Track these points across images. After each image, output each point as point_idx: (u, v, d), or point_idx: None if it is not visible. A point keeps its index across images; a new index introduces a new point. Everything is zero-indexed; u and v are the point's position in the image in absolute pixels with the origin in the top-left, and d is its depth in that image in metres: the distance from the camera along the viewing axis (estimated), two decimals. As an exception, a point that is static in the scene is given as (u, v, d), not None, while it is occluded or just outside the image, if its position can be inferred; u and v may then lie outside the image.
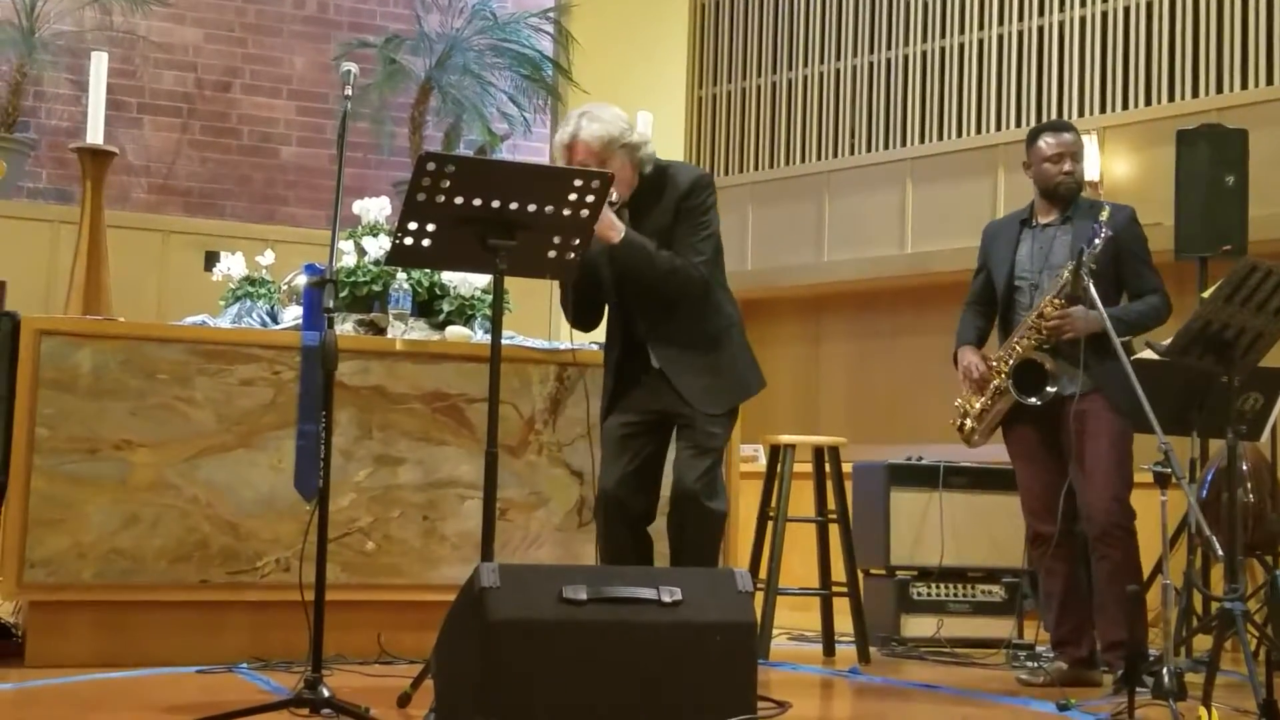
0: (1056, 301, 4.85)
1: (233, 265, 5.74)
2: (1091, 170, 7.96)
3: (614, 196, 4.12)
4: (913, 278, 9.33)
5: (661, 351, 4.30)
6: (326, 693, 3.50)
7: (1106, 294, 4.78)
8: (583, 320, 4.44)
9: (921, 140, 9.52)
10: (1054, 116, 8.80)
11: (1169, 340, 4.40)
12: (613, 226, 4.17)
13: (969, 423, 5.11)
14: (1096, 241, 4.62)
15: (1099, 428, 4.81)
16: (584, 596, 3.25)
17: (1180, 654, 5.29)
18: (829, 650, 5.85)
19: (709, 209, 4.31)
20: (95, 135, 5.71)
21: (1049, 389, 4.87)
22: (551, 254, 4.00)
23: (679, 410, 4.27)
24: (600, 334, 4.54)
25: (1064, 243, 4.95)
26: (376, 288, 5.38)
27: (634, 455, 4.33)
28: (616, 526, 4.32)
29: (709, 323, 4.32)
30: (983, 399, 5.05)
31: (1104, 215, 4.72)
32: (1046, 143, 5.04)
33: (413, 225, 3.84)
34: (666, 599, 3.32)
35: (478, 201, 3.80)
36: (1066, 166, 5.01)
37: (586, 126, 4.23)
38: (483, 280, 5.44)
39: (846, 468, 5.93)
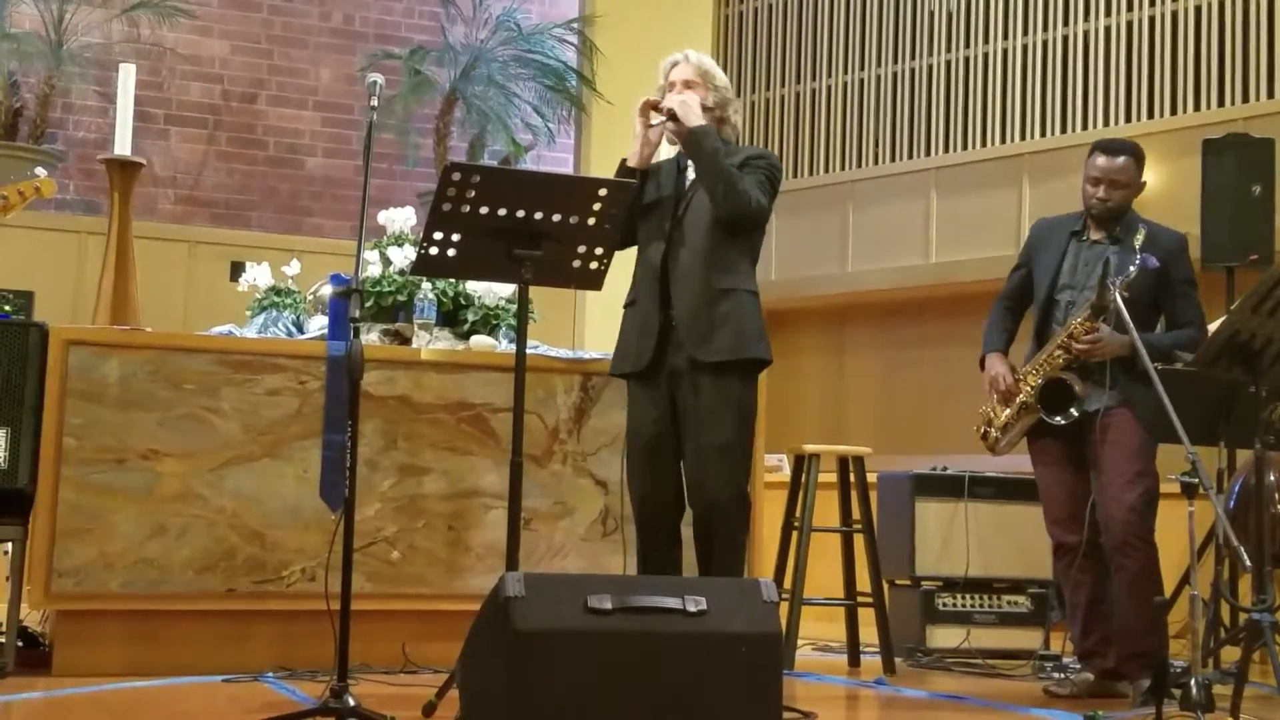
0: (1087, 324, 4.80)
1: (259, 276, 5.75)
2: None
3: (709, 100, 4.46)
4: (938, 288, 9.32)
5: (679, 291, 4.34)
6: (352, 702, 3.50)
7: (1145, 318, 4.76)
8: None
9: (946, 150, 9.52)
10: (1079, 127, 8.79)
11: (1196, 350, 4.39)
12: (696, 114, 4.38)
13: (994, 432, 5.08)
14: (1131, 270, 4.59)
15: (1120, 438, 4.77)
16: (609, 606, 3.25)
17: (1208, 666, 5.26)
18: (854, 661, 5.83)
19: (772, 178, 4.46)
20: (123, 147, 5.74)
21: (1074, 411, 4.83)
22: (576, 264, 4.01)
23: (683, 381, 4.30)
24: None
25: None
26: (402, 298, 5.39)
27: (662, 457, 4.34)
28: (656, 533, 4.36)
29: (731, 278, 4.35)
30: (1008, 411, 5.02)
31: (1138, 239, 4.69)
32: (1094, 163, 4.95)
33: (438, 235, 3.85)
34: (691, 609, 3.31)
35: (502, 211, 3.82)
36: (1101, 193, 4.91)
37: (695, 52, 4.61)
38: (507, 290, 5.45)
39: (871, 478, 5.92)
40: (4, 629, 4.66)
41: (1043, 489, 5.04)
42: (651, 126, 4.43)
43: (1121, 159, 4.95)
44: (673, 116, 4.38)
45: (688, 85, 4.49)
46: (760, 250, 4.54)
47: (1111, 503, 4.77)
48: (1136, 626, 4.74)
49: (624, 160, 4.48)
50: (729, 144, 4.51)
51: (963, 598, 6.29)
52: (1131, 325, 4.38)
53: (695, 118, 4.36)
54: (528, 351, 3.99)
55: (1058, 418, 4.86)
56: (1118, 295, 4.48)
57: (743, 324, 4.33)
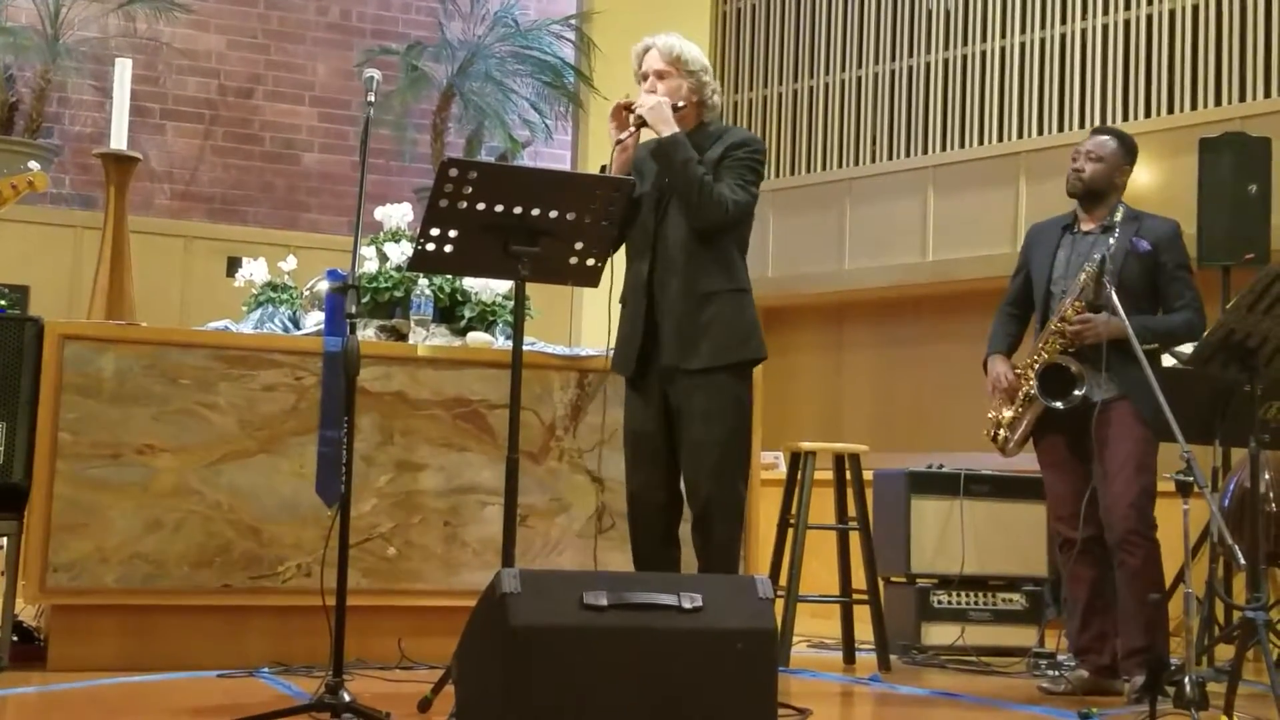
0: (1077, 304, 4.84)
1: (255, 271, 5.75)
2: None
3: (680, 103, 4.31)
4: (935, 285, 9.32)
5: (663, 298, 4.27)
6: (347, 697, 3.51)
7: (1140, 306, 4.77)
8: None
9: (943, 148, 9.51)
10: (1076, 125, 8.79)
11: (1192, 349, 4.39)
12: (666, 120, 4.25)
13: (1002, 432, 5.09)
14: (1111, 242, 4.61)
15: (1122, 434, 4.80)
16: (605, 602, 3.24)
17: (1202, 663, 5.27)
18: (849, 658, 5.84)
19: (755, 167, 4.34)
20: (119, 141, 5.74)
21: (1075, 392, 4.85)
22: (573, 260, 4.01)
23: (676, 381, 4.25)
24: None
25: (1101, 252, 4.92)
26: (398, 294, 5.39)
27: (658, 455, 4.33)
28: (649, 532, 4.34)
29: (715, 280, 4.27)
30: (1013, 407, 5.04)
31: (1117, 216, 4.73)
32: (1080, 145, 5.06)
33: (435, 231, 3.85)
34: (687, 605, 3.31)
35: (500, 208, 3.82)
36: (1076, 164, 5.01)
37: (664, 36, 4.48)
38: (504, 286, 5.45)
39: (868, 475, 5.92)
40: (-1, 624, 4.66)
41: (1049, 487, 5.08)
42: (626, 137, 4.32)
43: (1105, 137, 5.05)
44: (643, 123, 4.30)
45: (660, 76, 4.38)
46: (750, 238, 4.44)
47: (1113, 500, 4.79)
48: (1135, 622, 4.76)
49: (604, 167, 4.37)
50: (707, 125, 4.40)
51: (958, 595, 6.29)
52: (1119, 307, 4.38)
53: (666, 125, 4.24)
54: (524, 348, 3.99)
55: (1058, 403, 4.87)
56: (1105, 279, 4.50)
57: (728, 328, 4.25)
